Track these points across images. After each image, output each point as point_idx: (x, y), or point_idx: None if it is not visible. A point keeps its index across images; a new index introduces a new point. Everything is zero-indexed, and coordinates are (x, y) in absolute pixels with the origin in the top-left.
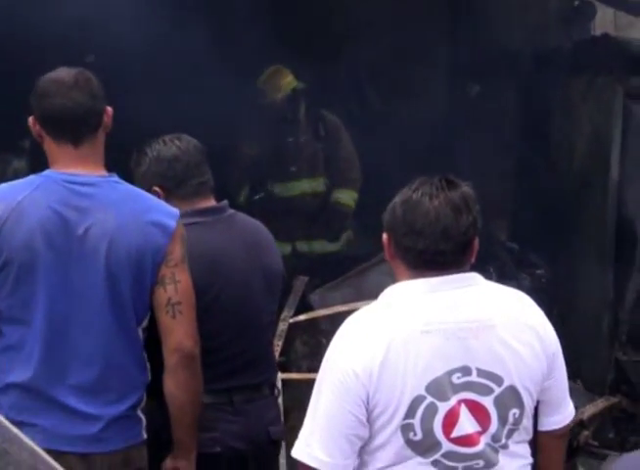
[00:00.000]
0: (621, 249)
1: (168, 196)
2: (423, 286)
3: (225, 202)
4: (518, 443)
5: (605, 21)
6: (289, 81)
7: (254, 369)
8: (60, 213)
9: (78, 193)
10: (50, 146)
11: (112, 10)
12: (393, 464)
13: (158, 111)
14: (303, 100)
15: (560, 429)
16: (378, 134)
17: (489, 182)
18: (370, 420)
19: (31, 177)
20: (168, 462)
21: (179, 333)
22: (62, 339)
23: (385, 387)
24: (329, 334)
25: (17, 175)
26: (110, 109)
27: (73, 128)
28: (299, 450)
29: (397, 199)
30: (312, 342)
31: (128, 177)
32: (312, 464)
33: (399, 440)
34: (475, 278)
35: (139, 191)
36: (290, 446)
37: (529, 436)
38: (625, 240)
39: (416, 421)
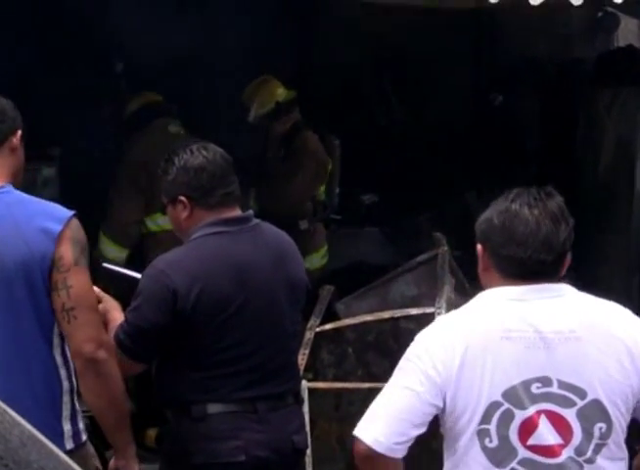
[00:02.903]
0: None
1: (194, 206)
2: (511, 293)
3: (250, 211)
4: (609, 459)
5: (628, 31)
6: (272, 94)
7: (278, 378)
8: None
9: None
10: None
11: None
12: None
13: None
14: (286, 113)
15: None
16: (403, 142)
17: None
18: (449, 423)
19: None
20: (111, 463)
21: (77, 338)
22: None
23: (463, 390)
24: (354, 343)
25: (46, 184)
26: (19, 132)
27: None
28: (358, 427)
29: (493, 209)
30: (338, 351)
31: None
32: (365, 440)
33: (476, 445)
34: (563, 289)
35: (28, 199)
36: (315, 455)
37: (625, 454)
38: None
39: (492, 427)
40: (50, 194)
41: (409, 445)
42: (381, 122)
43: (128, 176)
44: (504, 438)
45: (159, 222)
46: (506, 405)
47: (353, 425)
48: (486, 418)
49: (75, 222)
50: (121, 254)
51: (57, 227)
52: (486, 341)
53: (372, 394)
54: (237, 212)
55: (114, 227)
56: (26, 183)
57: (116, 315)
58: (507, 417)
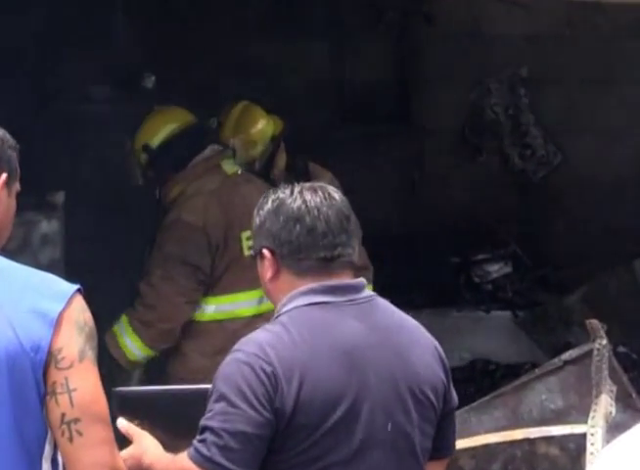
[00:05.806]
0: None
1: (280, 266)
2: None
3: (362, 280)
4: None
5: None
6: (265, 126)
7: None
8: None
9: None
10: None
11: None
12: None
13: None
14: (283, 146)
15: None
16: (547, 191)
17: None
18: None
19: None
20: None
21: (82, 463)
22: None
23: None
24: None
25: (45, 242)
26: (4, 176)
27: None
28: None
29: None
30: None
31: None
32: None
33: None
34: None
35: (14, 268)
36: None
37: None
38: None
39: None
40: (50, 256)
41: None
42: (516, 165)
43: (179, 247)
44: None
45: (210, 310)
46: None
47: None
48: None
49: (79, 300)
50: (148, 354)
51: (55, 307)
52: None
53: None
54: (345, 279)
55: (151, 319)
56: (19, 242)
57: (159, 452)
58: None
